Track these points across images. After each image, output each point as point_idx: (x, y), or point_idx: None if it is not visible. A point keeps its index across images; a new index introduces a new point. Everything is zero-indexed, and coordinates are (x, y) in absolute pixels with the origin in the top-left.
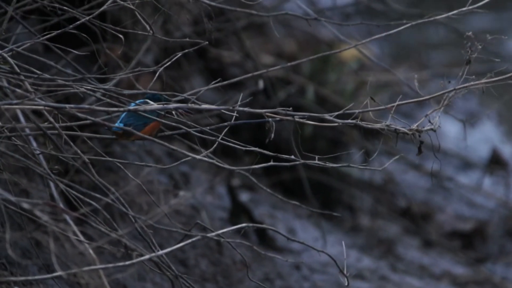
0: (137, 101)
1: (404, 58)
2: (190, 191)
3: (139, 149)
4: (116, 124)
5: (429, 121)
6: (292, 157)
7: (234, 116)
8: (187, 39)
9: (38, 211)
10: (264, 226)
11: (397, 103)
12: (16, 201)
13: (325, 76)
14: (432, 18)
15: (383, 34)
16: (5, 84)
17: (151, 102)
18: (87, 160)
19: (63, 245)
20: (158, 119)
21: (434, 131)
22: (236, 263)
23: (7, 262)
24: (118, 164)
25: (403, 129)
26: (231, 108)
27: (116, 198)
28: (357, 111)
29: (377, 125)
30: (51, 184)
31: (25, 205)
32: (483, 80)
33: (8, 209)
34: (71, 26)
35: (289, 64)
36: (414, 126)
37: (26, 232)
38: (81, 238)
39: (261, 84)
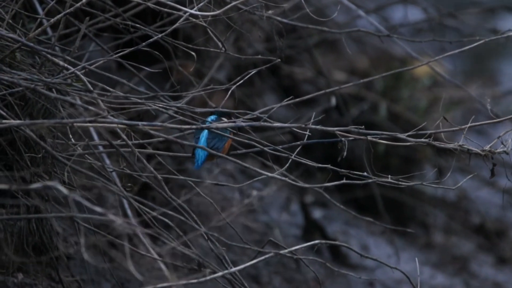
0: (210, 118)
1: (477, 74)
2: (263, 208)
3: (212, 167)
4: (201, 145)
5: (502, 143)
6: (365, 174)
7: (306, 135)
8: (260, 56)
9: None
10: (337, 243)
11: (469, 124)
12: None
13: (398, 93)
14: (505, 35)
15: (456, 51)
16: (78, 101)
17: (225, 120)
18: (160, 178)
19: (137, 262)
20: (231, 136)
21: (507, 153)
22: (309, 280)
23: (81, 279)
24: (191, 182)
25: (476, 150)
26: (303, 126)
27: (189, 215)
28: (429, 131)
29: (450, 145)
30: (124, 201)
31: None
32: None
33: (82, 226)
34: (144, 43)
35: (361, 81)
36: (487, 148)
37: (99, 248)
38: (155, 255)
39: (333, 101)
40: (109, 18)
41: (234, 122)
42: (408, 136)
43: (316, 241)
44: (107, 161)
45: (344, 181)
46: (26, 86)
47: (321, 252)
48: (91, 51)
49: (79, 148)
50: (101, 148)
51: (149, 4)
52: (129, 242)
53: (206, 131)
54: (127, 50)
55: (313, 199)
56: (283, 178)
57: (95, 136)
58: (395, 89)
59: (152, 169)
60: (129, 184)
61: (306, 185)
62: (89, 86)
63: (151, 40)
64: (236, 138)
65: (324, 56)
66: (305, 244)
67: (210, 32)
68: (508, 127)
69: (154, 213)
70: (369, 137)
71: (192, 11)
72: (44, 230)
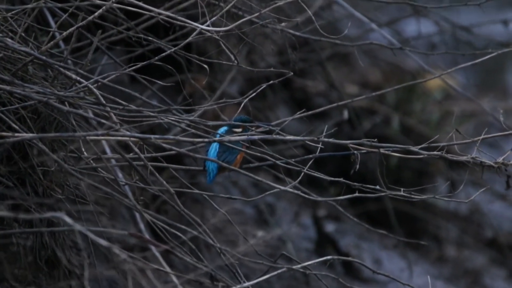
0: (221, 130)
1: (489, 87)
2: (276, 223)
3: (225, 180)
4: (211, 157)
5: None
6: (378, 187)
7: (319, 148)
8: (272, 69)
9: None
10: (349, 258)
11: (482, 136)
12: (99, 232)
13: (410, 106)
14: None
15: (468, 64)
16: (91, 115)
17: (237, 131)
18: (173, 191)
19: (150, 276)
20: (244, 150)
21: None
22: None
23: None
24: (205, 196)
25: (489, 162)
26: (316, 139)
27: (202, 229)
28: (442, 144)
29: (463, 158)
30: (137, 215)
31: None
32: None
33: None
34: (156, 57)
35: (374, 94)
36: (500, 160)
37: (112, 263)
38: (168, 269)
39: (346, 114)
40: (122, 31)
41: (246, 135)
42: (421, 149)
43: (328, 257)
44: (120, 175)
45: (356, 194)
46: (38, 99)
47: (334, 266)
48: (104, 64)
49: (91, 161)
50: (113, 162)
51: (161, 17)
52: (142, 255)
53: (216, 144)
54: (140, 64)
55: (325, 213)
56: (296, 191)
57: (108, 150)
58: (407, 102)
59: (164, 182)
60: (142, 198)
61: (319, 199)
62: (102, 99)
63: (164, 54)
64: (248, 151)
65: (336, 70)
66: (317, 259)
67: (222, 45)
68: None
69: (167, 227)
70: (382, 150)
71: (205, 27)
72: (56, 244)
